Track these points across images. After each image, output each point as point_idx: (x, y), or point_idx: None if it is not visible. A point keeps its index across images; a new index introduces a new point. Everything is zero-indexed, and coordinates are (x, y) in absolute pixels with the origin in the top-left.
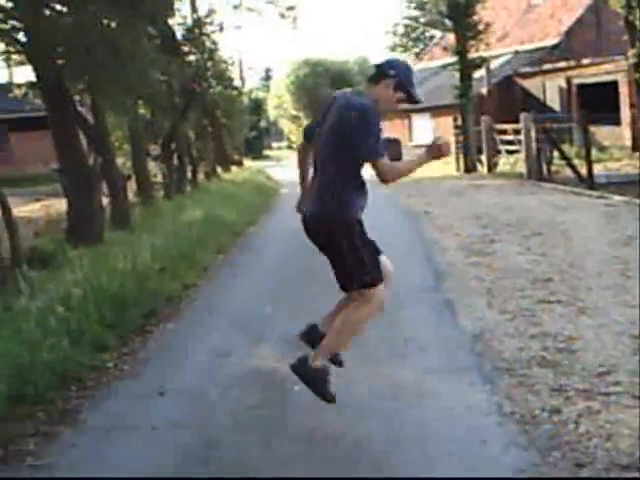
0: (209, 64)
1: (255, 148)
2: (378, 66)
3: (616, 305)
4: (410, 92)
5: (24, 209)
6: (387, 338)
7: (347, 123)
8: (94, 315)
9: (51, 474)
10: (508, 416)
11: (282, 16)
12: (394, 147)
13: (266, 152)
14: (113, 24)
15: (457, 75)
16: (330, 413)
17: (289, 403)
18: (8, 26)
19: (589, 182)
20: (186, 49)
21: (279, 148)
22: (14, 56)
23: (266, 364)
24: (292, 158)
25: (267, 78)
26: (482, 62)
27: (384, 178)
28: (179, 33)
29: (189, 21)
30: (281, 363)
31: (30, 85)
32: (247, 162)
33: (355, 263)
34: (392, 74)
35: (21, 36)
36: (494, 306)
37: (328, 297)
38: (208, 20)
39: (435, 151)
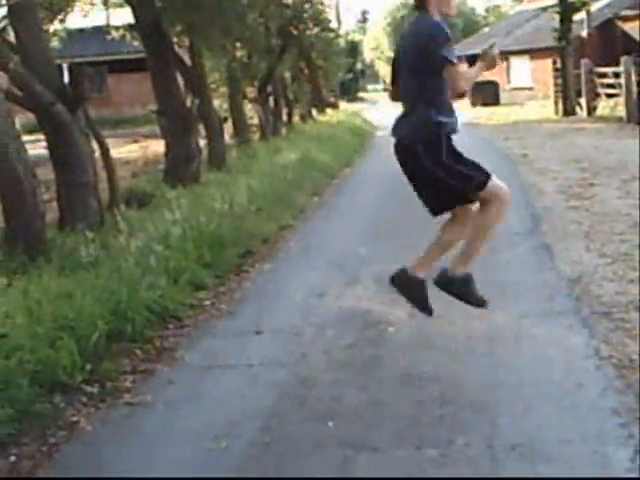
0: (306, 6)
1: (351, 90)
2: None
3: None
4: None
5: (122, 150)
6: (484, 281)
7: (418, 42)
8: (192, 254)
9: (148, 412)
10: (606, 359)
11: None
12: (491, 89)
13: (361, 94)
14: None
15: (557, 18)
16: (425, 354)
17: (384, 343)
18: None
19: None
20: None
21: (375, 90)
22: None
23: (361, 304)
24: (387, 100)
25: (364, 20)
26: (582, 5)
27: (457, 82)
28: None
29: None
30: (375, 303)
31: (128, 27)
32: (342, 104)
33: (454, 178)
34: None
35: None
36: (592, 250)
37: (423, 236)
38: None
39: (489, 60)
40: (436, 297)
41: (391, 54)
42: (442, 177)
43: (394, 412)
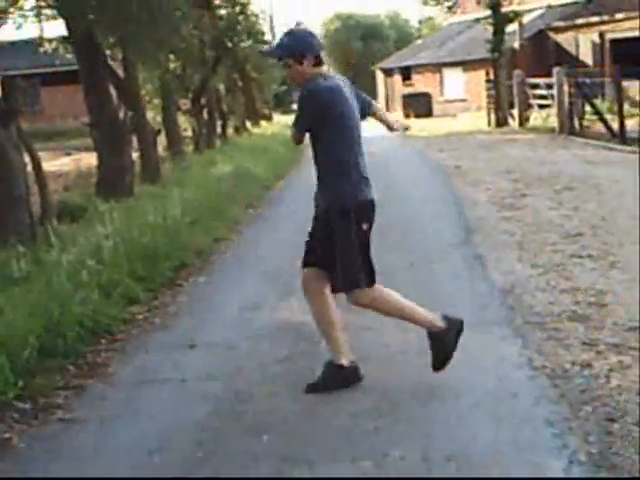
0: (240, 18)
1: (284, 102)
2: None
3: None
4: None
5: (55, 163)
6: (417, 291)
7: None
8: (125, 268)
9: (81, 428)
10: (539, 370)
11: None
12: (424, 100)
13: (295, 106)
14: None
15: (490, 29)
16: (359, 365)
17: (318, 356)
18: None
19: (621, 137)
20: (217, 2)
21: None
22: (46, 11)
23: (295, 317)
24: None
25: None
26: (515, 16)
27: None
28: None
29: None
30: (309, 315)
31: (61, 40)
32: (276, 116)
33: None
34: None
35: None
36: (525, 260)
37: None
38: None
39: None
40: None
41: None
42: None
43: (328, 425)
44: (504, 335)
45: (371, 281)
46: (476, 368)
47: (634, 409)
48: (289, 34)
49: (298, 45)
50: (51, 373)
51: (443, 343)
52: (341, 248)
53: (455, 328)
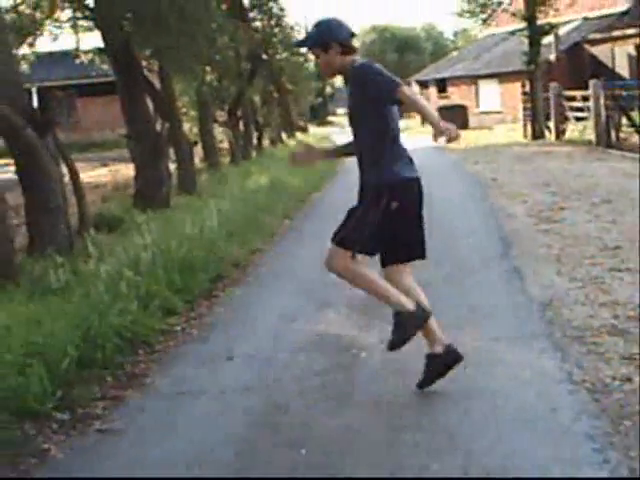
0: (276, 30)
1: (320, 114)
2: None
3: None
4: None
5: (92, 174)
6: (456, 305)
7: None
8: (163, 279)
9: (120, 439)
10: (579, 384)
11: None
12: (460, 112)
13: (331, 118)
14: None
15: (526, 41)
16: (398, 379)
17: (356, 369)
18: None
19: None
20: (252, 15)
21: (344, 114)
22: (82, 22)
23: (332, 329)
24: None
25: None
26: (551, 28)
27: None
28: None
29: None
30: (347, 328)
31: (98, 51)
32: (312, 128)
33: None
34: None
35: (90, 2)
36: (563, 273)
37: None
38: None
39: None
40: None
41: None
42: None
43: (368, 438)
44: (543, 348)
45: (360, 251)
46: (516, 381)
47: None
48: (316, 24)
49: (323, 34)
50: (89, 384)
51: (404, 325)
52: (360, 212)
53: (422, 315)
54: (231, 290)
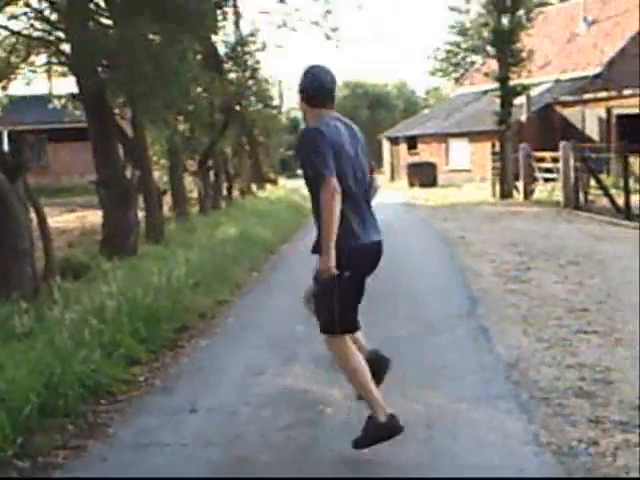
0: (250, 82)
1: (290, 167)
2: (333, 85)
3: None
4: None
5: (59, 219)
6: (421, 364)
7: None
8: (127, 328)
9: None
10: (545, 446)
11: (327, 37)
12: (429, 169)
13: (300, 171)
14: (158, 39)
15: (497, 101)
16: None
17: (321, 425)
18: (53, 37)
19: (626, 212)
20: (227, 67)
21: None
22: (56, 67)
23: (298, 384)
24: None
25: None
26: (523, 89)
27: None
28: (222, 51)
29: (232, 39)
30: (313, 383)
31: (71, 97)
32: (282, 181)
33: None
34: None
35: (65, 47)
36: (530, 334)
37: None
38: (251, 39)
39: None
40: None
41: None
42: None
43: None
44: (509, 409)
45: (346, 330)
46: (481, 442)
47: None
48: (304, 72)
49: (304, 83)
50: (51, 432)
51: (375, 432)
52: (322, 291)
53: (392, 430)
54: (196, 341)
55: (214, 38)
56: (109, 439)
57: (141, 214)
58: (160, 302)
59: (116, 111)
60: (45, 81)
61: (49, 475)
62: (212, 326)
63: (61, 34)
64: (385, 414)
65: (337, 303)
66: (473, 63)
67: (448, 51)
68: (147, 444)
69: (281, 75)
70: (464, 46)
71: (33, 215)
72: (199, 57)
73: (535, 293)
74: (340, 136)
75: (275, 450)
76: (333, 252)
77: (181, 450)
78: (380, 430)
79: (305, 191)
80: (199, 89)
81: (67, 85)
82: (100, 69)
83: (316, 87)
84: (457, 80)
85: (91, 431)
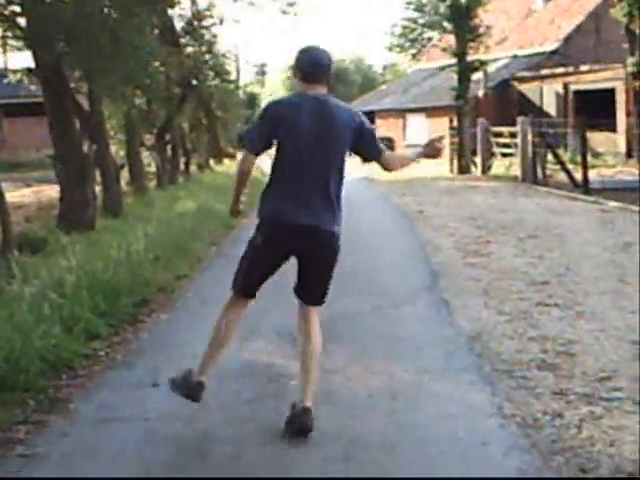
0: (207, 57)
1: None
2: (326, 64)
3: (614, 310)
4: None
5: (15, 194)
6: (384, 336)
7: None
8: (87, 303)
9: (42, 464)
10: (509, 418)
11: (283, 12)
12: (387, 145)
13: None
14: (115, 13)
15: (454, 77)
16: (327, 409)
17: (285, 398)
18: (8, 11)
19: (584, 187)
20: (184, 41)
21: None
22: (12, 42)
23: (262, 358)
24: None
25: (262, 73)
26: (481, 65)
27: (391, 167)
28: (178, 25)
29: (188, 13)
30: (277, 357)
31: (27, 71)
32: (239, 155)
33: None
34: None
35: (22, 21)
36: (491, 307)
37: None
38: (208, 13)
39: (433, 149)
40: (336, 352)
41: None
42: (330, 274)
43: (298, 469)
44: (472, 381)
45: (238, 293)
46: (445, 415)
47: (607, 461)
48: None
49: (296, 59)
50: (11, 406)
51: (184, 386)
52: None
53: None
54: (157, 315)
55: (170, 12)
56: (70, 414)
57: (98, 189)
58: (120, 276)
59: (72, 85)
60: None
61: (13, 449)
62: (172, 300)
63: (17, 8)
64: (198, 378)
65: (241, 260)
66: (430, 39)
67: (405, 27)
68: (109, 419)
69: (238, 50)
70: (421, 22)
71: None
72: (156, 31)
73: (495, 266)
74: (296, 112)
75: (240, 424)
76: (239, 201)
77: (144, 424)
78: (188, 387)
79: (264, 166)
80: (156, 63)
81: (22, 60)
82: (57, 43)
83: (301, 66)
84: (414, 56)
85: (52, 406)
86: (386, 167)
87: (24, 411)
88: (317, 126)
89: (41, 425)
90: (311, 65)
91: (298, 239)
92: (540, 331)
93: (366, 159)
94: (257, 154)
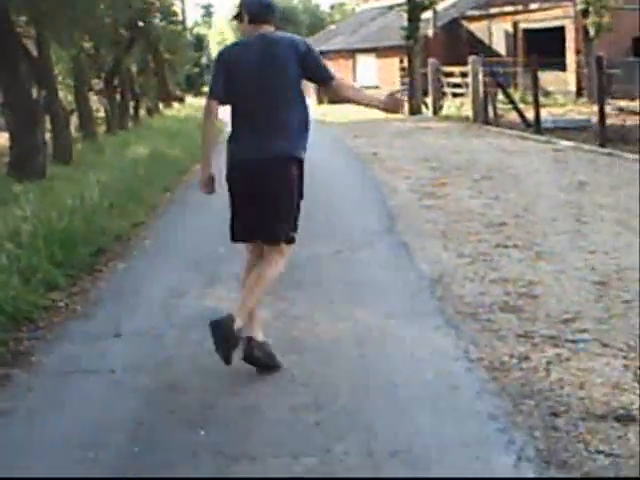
0: None
1: (196, 84)
2: (266, 4)
3: (573, 250)
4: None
5: None
6: (345, 281)
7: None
8: (44, 253)
9: (9, 421)
10: (476, 362)
11: None
12: None
13: (206, 89)
14: None
15: (404, 16)
16: (293, 357)
17: None
18: None
19: (536, 126)
20: None
21: None
22: None
23: (223, 305)
24: None
25: (209, 15)
26: (430, 4)
27: (342, 94)
28: None
29: None
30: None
31: None
32: (189, 99)
33: (292, 211)
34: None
35: None
36: (450, 249)
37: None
38: None
39: (391, 103)
40: (298, 298)
41: None
42: (286, 204)
43: (268, 419)
44: (437, 326)
45: (238, 240)
46: (412, 359)
47: (578, 404)
48: None
49: (240, 3)
50: None
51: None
52: None
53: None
54: (114, 264)
55: None
56: (33, 367)
57: (48, 135)
58: (75, 225)
59: (19, 30)
60: None
61: None
62: (129, 248)
63: None
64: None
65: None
66: None
67: None
68: (73, 371)
69: None
70: None
71: None
72: None
73: (452, 208)
74: (244, 53)
75: (207, 374)
76: (206, 161)
77: (109, 376)
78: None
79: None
80: (103, 5)
81: None
82: None
83: (247, 8)
84: None
85: (14, 359)
86: (338, 93)
87: None
88: (263, 62)
89: (4, 379)
90: (256, 6)
91: (255, 172)
92: (501, 273)
93: (318, 83)
94: (221, 101)
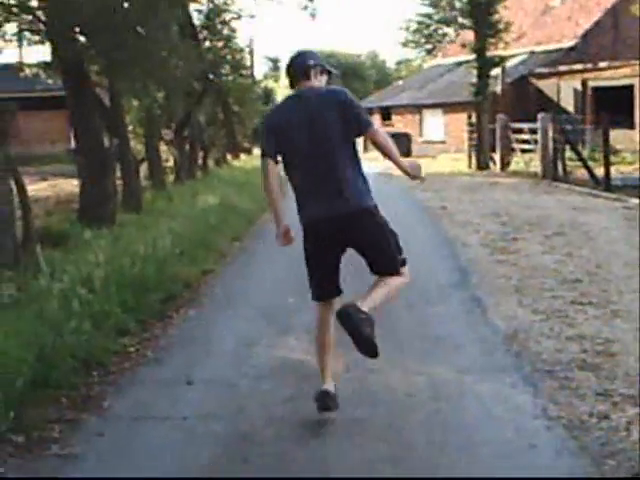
0: (225, 51)
1: None
2: (298, 64)
3: None
4: (328, 70)
5: (31, 188)
6: (419, 335)
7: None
8: (116, 298)
9: (79, 464)
10: (555, 420)
11: (305, 8)
12: (403, 140)
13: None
14: (137, 6)
15: (473, 72)
16: (367, 410)
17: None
18: (30, 2)
19: (606, 184)
20: (202, 36)
21: None
22: (29, 35)
23: (294, 355)
24: None
25: (275, 68)
26: (500, 61)
27: (376, 144)
28: (197, 20)
29: (205, 8)
30: (309, 355)
31: (44, 65)
32: (256, 150)
33: (395, 243)
34: (314, 64)
35: (41, 14)
36: (525, 305)
37: (352, 283)
38: (225, 7)
39: (413, 169)
40: None
41: None
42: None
43: (343, 471)
44: (514, 382)
45: (317, 299)
46: (490, 415)
47: None
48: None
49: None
50: (44, 405)
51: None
52: None
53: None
54: (185, 311)
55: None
56: (104, 412)
57: (118, 183)
58: (147, 272)
59: (93, 79)
60: (12, 50)
61: (48, 449)
62: (199, 295)
63: (34, 2)
64: (322, 387)
65: (308, 269)
66: (445, 35)
67: (419, 22)
68: (144, 417)
69: (253, 45)
70: (436, 18)
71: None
72: (176, 26)
73: (524, 263)
74: (285, 114)
75: (280, 424)
76: (277, 216)
77: (181, 423)
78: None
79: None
80: (176, 57)
81: (37, 53)
82: (80, 36)
83: (287, 74)
84: (429, 52)
85: (85, 404)
86: (372, 141)
87: (58, 409)
88: (307, 122)
89: (75, 423)
90: (291, 71)
91: (332, 230)
92: (577, 330)
93: (357, 134)
94: (276, 158)
